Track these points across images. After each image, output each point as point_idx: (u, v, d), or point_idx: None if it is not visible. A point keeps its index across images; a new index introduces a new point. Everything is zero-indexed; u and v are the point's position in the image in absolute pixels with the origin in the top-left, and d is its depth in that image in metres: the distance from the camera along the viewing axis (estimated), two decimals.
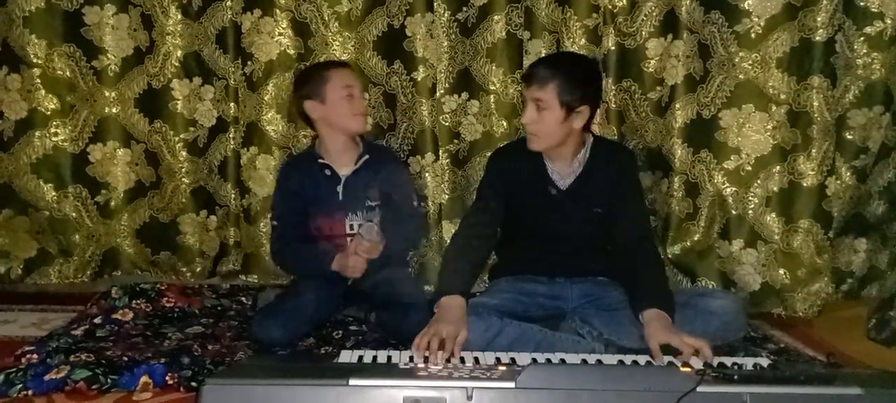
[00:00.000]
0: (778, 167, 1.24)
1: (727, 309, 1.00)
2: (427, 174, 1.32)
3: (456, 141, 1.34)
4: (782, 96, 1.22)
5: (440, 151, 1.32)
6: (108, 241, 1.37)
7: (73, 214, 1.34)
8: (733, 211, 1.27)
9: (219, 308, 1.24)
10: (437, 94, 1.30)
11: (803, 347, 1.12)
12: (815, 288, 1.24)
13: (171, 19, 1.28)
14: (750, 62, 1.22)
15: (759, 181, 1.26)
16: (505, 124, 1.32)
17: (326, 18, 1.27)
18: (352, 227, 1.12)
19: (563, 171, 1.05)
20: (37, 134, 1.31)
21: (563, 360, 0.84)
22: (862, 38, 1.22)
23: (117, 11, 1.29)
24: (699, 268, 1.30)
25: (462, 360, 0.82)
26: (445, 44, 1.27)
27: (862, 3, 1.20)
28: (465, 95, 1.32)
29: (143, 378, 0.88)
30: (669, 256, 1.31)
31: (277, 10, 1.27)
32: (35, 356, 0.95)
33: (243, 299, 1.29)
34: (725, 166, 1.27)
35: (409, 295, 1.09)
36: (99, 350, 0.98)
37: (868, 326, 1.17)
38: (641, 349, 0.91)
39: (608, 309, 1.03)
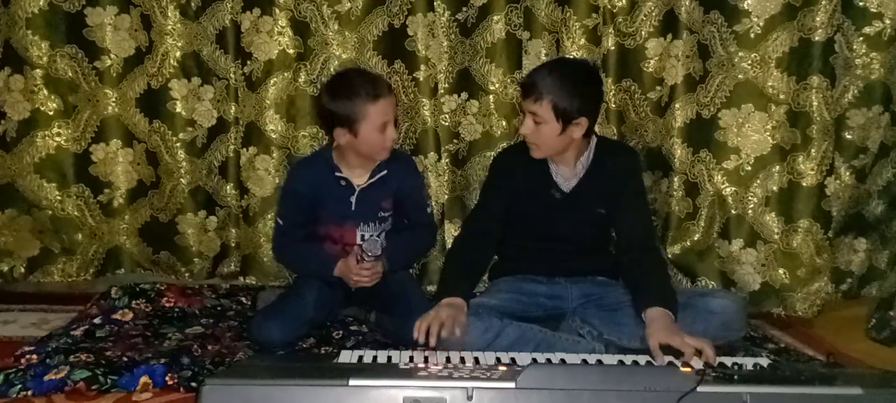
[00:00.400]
0: (777, 167, 1.24)
1: (727, 308, 1.01)
2: (430, 174, 1.32)
3: (455, 141, 1.34)
4: (782, 96, 1.22)
5: (442, 151, 1.32)
6: (111, 240, 1.37)
7: (76, 213, 1.34)
8: (733, 211, 1.28)
9: (219, 308, 1.24)
10: (438, 94, 1.30)
11: (803, 347, 1.12)
12: (815, 288, 1.24)
13: (169, 19, 1.28)
14: (749, 62, 1.22)
15: (758, 181, 1.26)
16: (504, 124, 1.32)
17: (326, 17, 1.27)
18: (362, 237, 1.11)
19: (567, 174, 1.05)
20: (39, 134, 1.31)
21: (563, 360, 0.84)
22: (861, 38, 1.22)
23: (119, 12, 1.29)
24: (699, 268, 1.30)
25: (462, 360, 0.82)
26: (445, 44, 1.27)
27: (861, 4, 1.20)
28: (464, 95, 1.32)
29: (143, 379, 0.88)
30: (669, 256, 1.31)
31: (277, 9, 1.27)
32: (35, 356, 0.95)
33: (243, 299, 1.28)
34: (725, 166, 1.27)
35: (409, 297, 1.08)
36: (99, 350, 0.98)
37: (868, 326, 1.18)
38: (642, 349, 0.91)
39: (608, 309, 1.03)
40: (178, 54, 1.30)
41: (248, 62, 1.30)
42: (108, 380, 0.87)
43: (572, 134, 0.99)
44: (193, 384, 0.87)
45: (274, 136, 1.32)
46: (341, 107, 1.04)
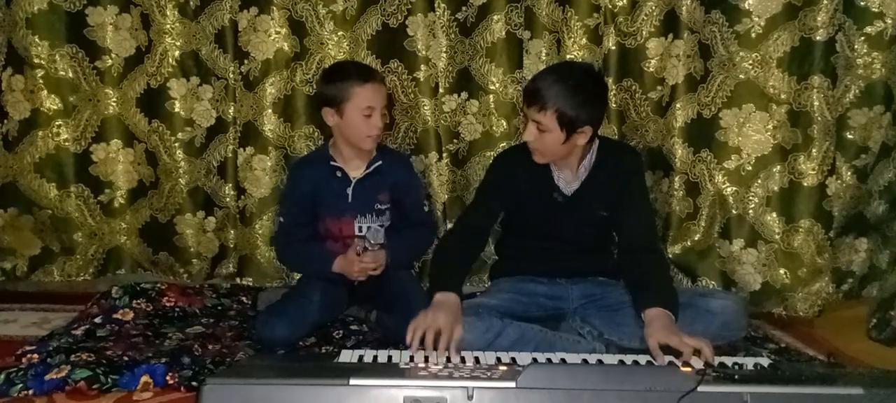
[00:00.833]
0: (778, 167, 1.24)
1: (728, 308, 1.00)
2: (431, 174, 1.32)
3: (455, 140, 1.34)
4: (783, 96, 1.22)
5: (443, 151, 1.32)
6: (111, 240, 1.37)
7: (76, 213, 1.34)
8: (734, 211, 1.27)
9: (219, 307, 1.24)
10: (438, 94, 1.30)
11: (804, 347, 1.12)
12: (816, 288, 1.23)
13: (168, 18, 1.28)
14: (750, 62, 1.22)
15: (759, 181, 1.25)
16: (505, 124, 1.32)
17: (321, 17, 1.27)
18: (360, 229, 1.12)
19: (569, 178, 1.05)
20: (40, 133, 1.32)
21: (563, 360, 0.84)
22: (862, 38, 1.21)
23: (120, 12, 1.29)
24: (700, 268, 1.30)
25: (462, 360, 0.82)
26: (444, 43, 1.27)
27: (862, 3, 1.20)
28: (464, 95, 1.32)
29: (144, 378, 0.88)
30: (670, 256, 1.31)
31: (274, 8, 1.27)
32: (36, 355, 0.95)
33: (244, 299, 1.28)
34: (726, 166, 1.26)
35: (410, 296, 1.09)
36: (99, 349, 0.98)
37: (868, 326, 1.17)
38: (642, 349, 0.91)
39: (609, 310, 1.03)
40: (176, 53, 1.30)
41: (246, 61, 1.30)
42: (109, 380, 0.87)
43: (576, 141, 0.98)
44: (194, 383, 0.87)
45: (271, 136, 1.32)
46: (331, 87, 1.09)
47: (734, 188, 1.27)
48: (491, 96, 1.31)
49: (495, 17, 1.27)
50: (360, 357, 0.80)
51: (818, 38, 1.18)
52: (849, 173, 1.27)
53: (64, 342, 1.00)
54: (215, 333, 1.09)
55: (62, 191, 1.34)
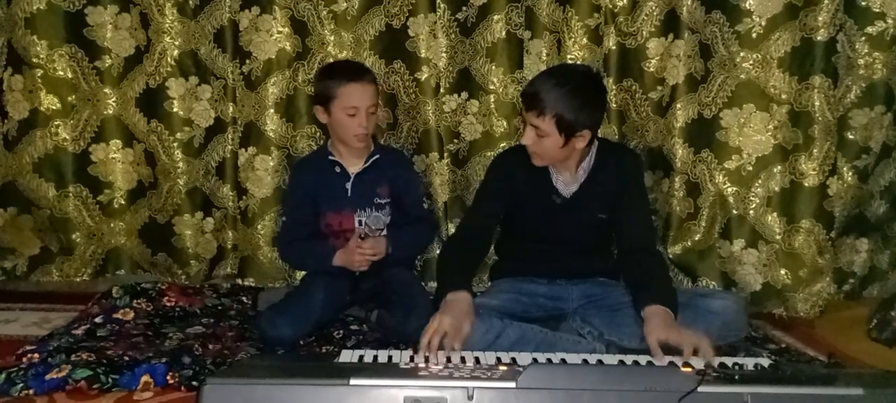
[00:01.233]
0: (779, 167, 1.24)
1: (728, 309, 1.00)
2: (432, 174, 1.32)
3: (456, 140, 1.34)
4: (783, 96, 1.22)
5: (444, 151, 1.32)
6: (110, 241, 1.37)
7: (75, 213, 1.34)
8: (734, 211, 1.27)
9: (220, 307, 1.24)
10: (439, 95, 1.30)
11: (804, 347, 1.11)
12: (817, 289, 1.23)
13: (167, 17, 1.27)
14: (751, 62, 1.22)
15: (760, 181, 1.25)
16: (505, 124, 1.32)
17: (323, 17, 1.27)
18: (360, 223, 1.13)
19: (568, 180, 1.05)
20: (39, 133, 1.31)
21: (563, 360, 0.84)
22: (863, 38, 1.21)
23: (119, 11, 1.29)
24: (700, 268, 1.30)
25: (463, 360, 0.82)
26: (445, 43, 1.27)
27: (863, 3, 1.20)
28: (464, 95, 1.32)
29: (144, 378, 0.88)
30: (670, 256, 1.31)
31: (276, 7, 1.27)
32: (36, 355, 0.95)
33: (244, 299, 1.29)
34: (726, 166, 1.26)
35: (411, 295, 1.09)
36: (100, 349, 0.98)
37: (869, 326, 1.17)
38: (642, 349, 0.91)
39: (609, 310, 1.03)
40: (175, 53, 1.29)
41: (247, 61, 1.29)
42: (110, 379, 0.87)
43: (575, 145, 0.98)
44: (194, 383, 0.87)
45: (273, 136, 1.32)
46: (319, 85, 1.13)
47: (735, 188, 1.27)
48: (491, 96, 1.31)
49: (496, 18, 1.27)
50: (361, 357, 0.80)
51: (819, 38, 1.17)
52: (850, 173, 1.27)
53: (64, 341, 1.01)
54: (216, 333, 1.09)
55: (61, 191, 1.34)
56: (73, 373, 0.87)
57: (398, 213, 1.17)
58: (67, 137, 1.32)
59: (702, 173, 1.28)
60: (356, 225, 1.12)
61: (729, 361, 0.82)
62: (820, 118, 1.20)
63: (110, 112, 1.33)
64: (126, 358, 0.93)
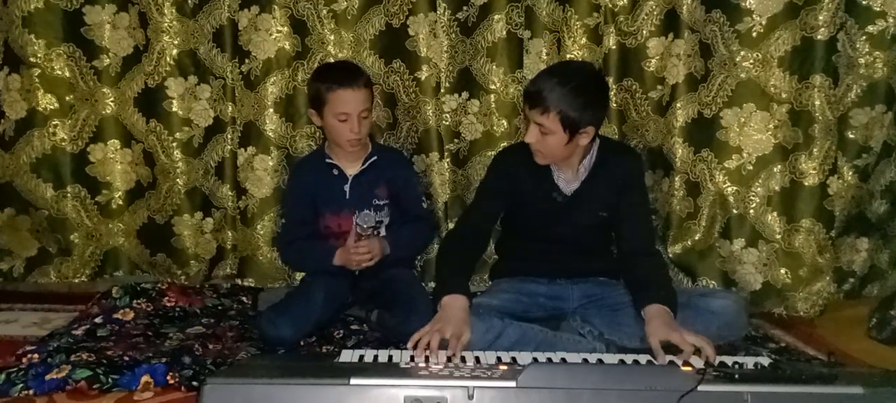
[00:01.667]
0: (779, 166, 1.24)
1: (728, 308, 1.01)
2: (432, 174, 1.32)
3: (456, 140, 1.34)
4: (784, 95, 1.21)
5: (444, 151, 1.32)
6: (108, 241, 1.36)
7: (73, 214, 1.34)
8: (734, 211, 1.27)
9: (220, 307, 1.24)
10: (439, 94, 1.30)
11: (804, 346, 1.12)
12: (817, 288, 1.23)
13: (166, 16, 1.27)
14: (751, 61, 1.21)
15: (760, 180, 1.25)
16: (505, 124, 1.32)
17: (323, 16, 1.27)
18: (356, 223, 1.13)
19: (569, 178, 1.04)
20: (36, 133, 1.31)
21: (564, 360, 0.84)
22: (864, 37, 1.21)
23: (118, 11, 1.28)
24: (700, 268, 1.30)
25: (463, 360, 0.82)
26: (445, 43, 1.27)
27: (864, 2, 1.19)
28: (465, 95, 1.32)
29: (145, 378, 0.88)
30: (670, 256, 1.31)
31: (275, 7, 1.26)
32: (36, 355, 0.95)
33: (244, 299, 1.28)
34: (726, 165, 1.26)
35: (411, 295, 1.09)
36: (100, 349, 0.98)
37: (869, 325, 1.17)
38: (642, 349, 0.91)
39: (609, 309, 1.03)
40: (174, 52, 1.29)
41: (246, 61, 1.29)
42: (110, 379, 0.87)
43: (579, 142, 0.98)
44: (195, 383, 0.87)
45: (273, 136, 1.32)
46: (312, 88, 1.13)
47: (735, 187, 1.27)
48: (492, 96, 1.31)
49: (496, 17, 1.27)
50: (361, 357, 0.80)
51: (819, 37, 1.17)
52: (850, 173, 1.27)
53: (64, 342, 1.00)
54: (216, 333, 1.09)
55: (59, 191, 1.33)
56: (73, 374, 0.87)
57: (397, 213, 1.17)
58: (65, 137, 1.32)
59: (702, 172, 1.28)
60: (354, 225, 1.12)
61: (729, 360, 0.82)
62: (820, 117, 1.20)
63: (108, 112, 1.32)
64: (126, 359, 0.93)
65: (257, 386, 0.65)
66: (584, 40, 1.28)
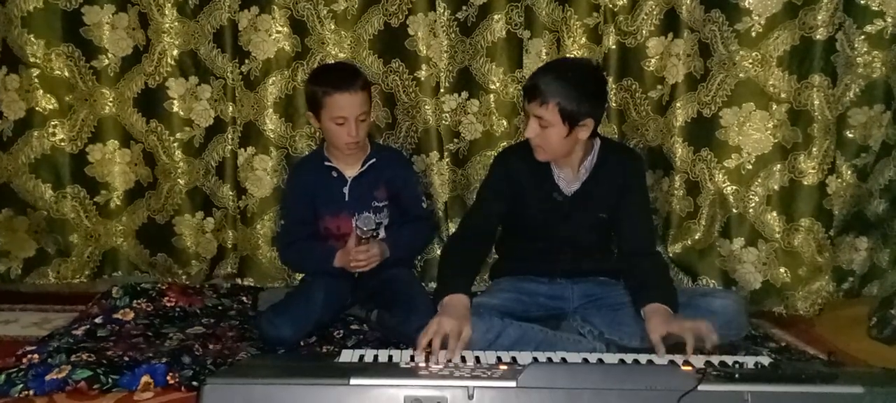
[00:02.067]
0: (779, 165, 1.24)
1: (728, 307, 1.01)
2: (432, 173, 1.32)
3: (456, 140, 1.34)
4: (783, 95, 1.22)
5: (444, 151, 1.32)
6: (108, 242, 1.36)
7: (72, 215, 1.34)
8: (734, 210, 1.27)
9: (220, 307, 1.23)
10: (439, 94, 1.30)
11: (804, 345, 1.12)
12: (816, 287, 1.23)
13: (167, 17, 1.27)
14: (750, 61, 1.22)
15: (759, 179, 1.25)
16: (505, 123, 1.32)
17: (322, 16, 1.27)
18: (355, 225, 1.13)
19: (570, 177, 1.04)
20: (35, 134, 1.31)
21: (564, 359, 0.84)
22: (862, 37, 1.21)
23: (117, 11, 1.28)
24: (700, 267, 1.30)
25: (463, 359, 0.82)
26: (445, 43, 1.27)
27: (862, 2, 1.20)
28: (464, 94, 1.32)
29: (145, 378, 0.88)
30: (670, 255, 1.31)
31: (275, 7, 1.26)
32: (36, 356, 0.94)
33: (244, 299, 1.28)
34: (726, 165, 1.26)
35: (411, 295, 1.09)
36: (100, 349, 0.98)
37: (869, 325, 1.17)
38: (643, 348, 0.92)
39: (610, 309, 1.03)
40: (175, 53, 1.29)
41: (246, 61, 1.29)
42: (110, 380, 0.87)
43: (578, 135, 0.98)
44: (195, 383, 0.87)
45: (272, 136, 1.32)
46: (309, 91, 1.12)
47: (734, 187, 1.27)
48: (491, 96, 1.31)
49: (496, 17, 1.27)
50: (361, 357, 0.80)
51: (818, 36, 1.17)
52: (849, 172, 1.27)
53: (64, 342, 1.00)
54: (216, 333, 1.09)
55: (58, 192, 1.33)
56: (73, 374, 0.87)
57: (397, 213, 1.17)
58: (64, 137, 1.32)
59: (701, 172, 1.28)
60: (353, 227, 1.12)
61: (729, 359, 0.82)
62: (819, 117, 1.20)
63: (107, 112, 1.32)
64: (126, 359, 0.93)
65: (257, 386, 0.65)
66: (583, 40, 1.28)
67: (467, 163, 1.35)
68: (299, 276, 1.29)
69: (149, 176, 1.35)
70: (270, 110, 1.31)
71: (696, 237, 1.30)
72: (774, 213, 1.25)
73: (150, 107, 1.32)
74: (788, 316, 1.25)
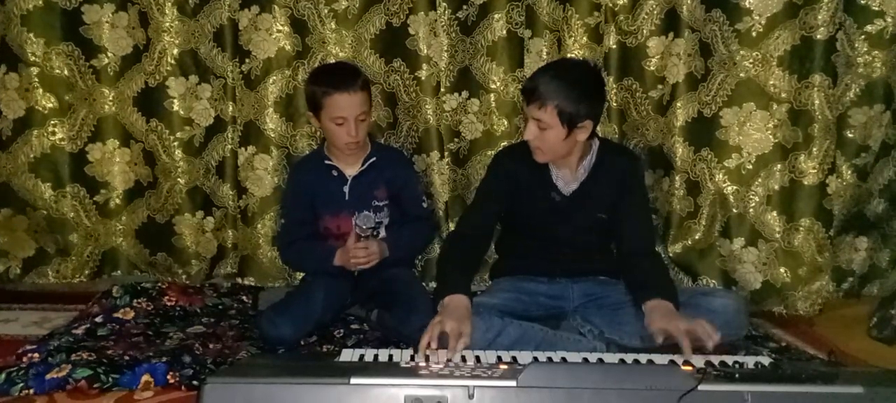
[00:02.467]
0: (779, 165, 1.24)
1: (728, 307, 1.01)
2: (432, 173, 1.32)
3: (456, 139, 1.34)
4: (783, 94, 1.22)
5: (444, 150, 1.32)
6: (107, 241, 1.36)
7: (71, 214, 1.33)
8: (734, 210, 1.27)
9: (220, 307, 1.24)
10: (439, 93, 1.30)
11: (804, 345, 1.12)
12: (816, 287, 1.23)
13: (167, 16, 1.27)
14: (751, 60, 1.21)
15: (759, 179, 1.25)
16: (505, 123, 1.32)
17: (323, 16, 1.27)
18: (355, 224, 1.13)
19: (568, 177, 1.04)
20: (35, 133, 1.31)
21: (564, 359, 0.84)
22: (863, 37, 1.21)
23: (116, 10, 1.28)
24: (700, 267, 1.30)
25: (463, 359, 0.82)
26: (445, 42, 1.27)
27: (863, 2, 1.20)
28: (465, 94, 1.32)
29: (145, 377, 0.88)
30: (670, 255, 1.31)
31: (275, 7, 1.26)
32: (36, 355, 0.95)
33: (245, 298, 1.29)
34: (726, 164, 1.26)
35: (412, 295, 1.09)
36: (100, 348, 0.98)
37: (869, 324, 1.18)
38: (643, 348, 0.92)
39: (610, 309, 1.03)
40: (175, 52, 1.29)
41: (247, 60, 1.29)
42: (110, 379, 0.87)
43: (577, 136, 0.98)
44: (195, 382, 0.87)
45: (273, 136, 1.31)
46: (309, 91, 1.12)
47: (735, 187, 1.27)
48: (492, 95, 1.31)
49: (496, 16, 1.27)
50: (361, 357, 0.80)
51: (819, 36, 1.17)
52: (849, 172, 1.27)
53: (65, 341, 1.00)
54: (216, 332, 1.09)
55: (57, 191, 1.33)
56: (74, 373, 0.87)
57: (398, 213, 1.17)
58: (64, 137, 1.32)
59: (702, 172, 1.28)
60: (353, 226, 1.12)
61: (729, 359, 0.82)
62: (819, 116, 1.20)
63: (107, 111, 1.32)
64: (126, 358, 0.93)
65: (257, 386, 0.65)
66: (584, 39, 1.28)
67: (468, 162, 1.35)
68: (299, 276, 1.29)
69: (149, 175, 1.35)
70: (271, 109, 1.30)
71: (697, 237, 1.30)
72: (774, 213, 1.25)
73: (150, 106, 1.32)
74: (788, 316, 1.25)
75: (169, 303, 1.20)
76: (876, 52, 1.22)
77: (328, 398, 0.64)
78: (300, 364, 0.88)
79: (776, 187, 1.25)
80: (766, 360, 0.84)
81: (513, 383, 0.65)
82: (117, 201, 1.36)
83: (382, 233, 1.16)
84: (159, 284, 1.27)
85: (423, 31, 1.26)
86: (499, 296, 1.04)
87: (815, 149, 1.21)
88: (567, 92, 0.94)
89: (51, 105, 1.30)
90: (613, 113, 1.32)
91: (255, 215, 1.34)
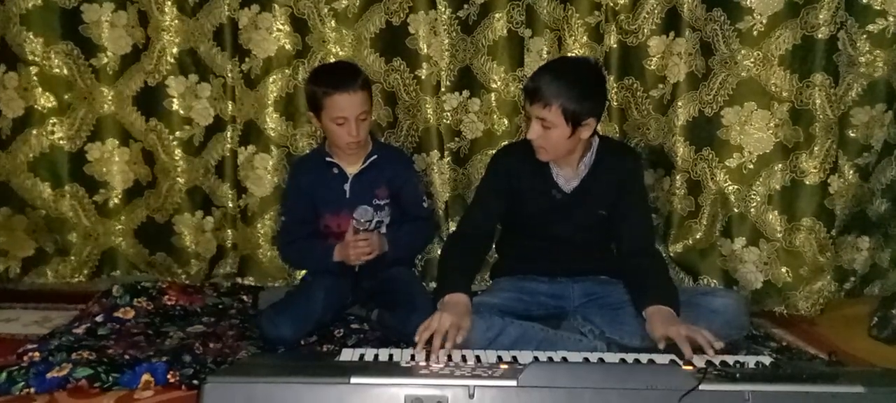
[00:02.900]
0: (780, 165, 1.24)
1: (729, 307, 1.01)
2: (433, 172, 1.32)
3: (457, 139, 1.33)
4: (784, 94, 1.21)
5: (445, 150, 1.32)
6: (106, 241, 1.36)
7: (70, 214, 1.33)
8: (735, 209, 1.27)
9: (220, 306, 1.23)
10: (440, 93, 1.29)
11: (805, 345, 1.12)
12: (818, 287, 1.23)
13: (166, 15, 1.26)
14: (752, 60, 1.21)
15: (761, 179, 1.25)
16: (506, 122, 1.32)
17: (323, 15, 1.26)
18: (353, 217, 1.13)
19: (568, 175, 1.04)
20: (34, 132, 1.30)
21: (564, 359, 0.84)
22: (864, 36, 1.21)
23: (116, 9, 1.28)
24: (701, 267, 1.30)
25: (464, 359, 0.82)
26: (446, 41, 1.27)
27: (864, 1, 1.19)
28: (465, 93, 1.31)
29: (145, 377, 0.88)
30: (671, 254, 1.31)
31: (275, 6, 1.26)
32: (37, 354, 0.94)
33: (245, 297, 1.28)
34: (727, 164, 1.26)
35: (412, 294, 1.09)
36: (101, 348, 0.98)
37: (870, 324, 1.17)
38: (644, 347, 0.91)
39: (610, 308, 1.03)
40: (175, 51, 1.29)
41: (247, 59, 1.29)
42: (111, 378, 0.87)
43: (581, 134, 0.98)
44: (195, 382, 0.87)
45: (273, 135, 1.31)
46: (309, 91, 1.12)
47: (736, 186, 1.27)
48: (492, 94, 1.31)
49: (497, 15, 1.27)
50: (362, 356, 0.80)
51: (820, 35, 1.17)
52: (851, 171, 1.27)
53: (65, 340, 1.00)
54: (216, 332, 1.09)
55: (56, 190, 1.33)
56: (74, 372, 0.87)
57: (398, 213, 1.17)
58: (63, 136, 1.31)
59: (703, 171, 1.28)
60: (352, 220, 1.12)
61: (730, 359, 0.82)
62: (821, 116, 1.20)
63: (106, 110, 1.32)
64: (127, 357, 0.93)
65: (258, 385, 0.65)
66: (584, 39, 1.28)
67: (468, 162, 1.34)
68: (300, 275, 1.29)
69: (148, 174, 1.35)
70: (271, 109, 1.30)
71: (698, 236, 1.30)
72: (776, 213, 1.25)
73: (150, 105, 1.31)
74: (789, 316, 1.25)
75: (169, 303, 1.20)
76: (878, 51, 1.21)
77: (328, 397, 0.64)
78: (300, 363, 0.88)
79: (777, 187, 1.24)
80: (766, 360, 0.84)
81: (513, 382, 0.65)
82: (116, 201, 1.35)
83: (383, 230, 1.15)
84: (159, 284, 1.27)
85: (423, 30, 1.26)
86: (499, 296, 1.04)
87: (816, 149, 1.21)
88: (570, 90, 0.94)
89: (50, 104, 1.30)
90: (614, 112, 1.32)
91: (255, 215, 1.34)
